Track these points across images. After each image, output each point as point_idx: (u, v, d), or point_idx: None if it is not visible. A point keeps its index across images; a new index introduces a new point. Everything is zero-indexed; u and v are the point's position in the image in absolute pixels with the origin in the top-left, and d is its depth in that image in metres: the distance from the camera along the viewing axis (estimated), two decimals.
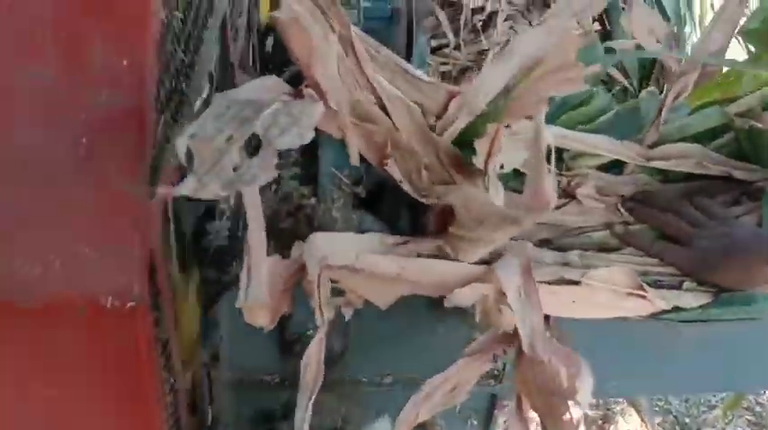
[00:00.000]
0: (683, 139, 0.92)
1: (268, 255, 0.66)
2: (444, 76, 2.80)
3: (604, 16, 2.92)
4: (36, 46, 0.52)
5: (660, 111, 0.89)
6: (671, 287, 0.80)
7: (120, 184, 0.52)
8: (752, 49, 1.02)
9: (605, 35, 2.89)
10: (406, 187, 0.73)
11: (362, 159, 0.94)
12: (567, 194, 0.89)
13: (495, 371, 0.85)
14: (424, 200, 0.73)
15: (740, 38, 1.02)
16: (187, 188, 0.52)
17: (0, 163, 0.51)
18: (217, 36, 0.85)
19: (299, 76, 0.86)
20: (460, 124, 0.74)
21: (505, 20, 2.74)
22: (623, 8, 2.87)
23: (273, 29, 1.34)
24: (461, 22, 2.70)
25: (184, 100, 0.68)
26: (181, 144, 0.52)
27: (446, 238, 0.71)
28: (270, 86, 0.64)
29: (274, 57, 1.33)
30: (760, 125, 0.87)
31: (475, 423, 0.91)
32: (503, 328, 0.72)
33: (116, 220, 0.53)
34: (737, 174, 0.89)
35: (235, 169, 0.53)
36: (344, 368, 0.81)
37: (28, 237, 0.51)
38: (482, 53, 2.76)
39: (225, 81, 0.97)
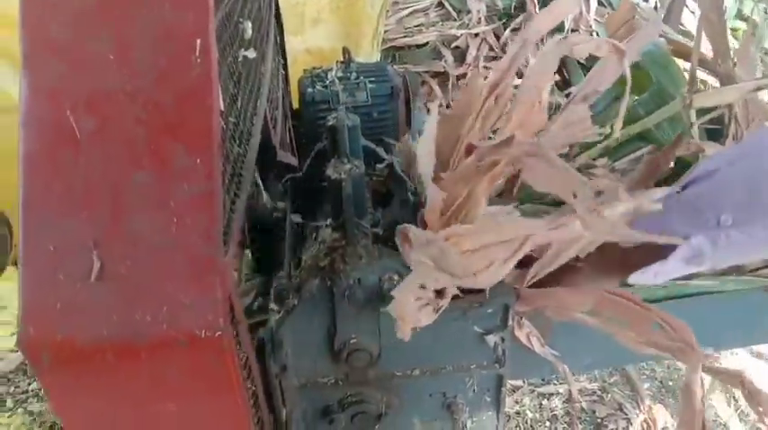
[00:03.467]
0: None
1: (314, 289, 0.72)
2: None
3: (563, 68, 2.95)
4: (136, 158, 0.58)
5: None
6: None
7: (203, 249, 0.59)
8: None
9: (566, 83, 2.92)
10: None
11: (378, 204, 1.00)
12: None
13: (499, 357, 0.87)
14: None
15: None
16: None
17: (120, 244, 0.57)
18: (261, 127, 0.91)
19: (325, 153, 0.93)
20: None
21: (484, 80, 2.79)
22: (578, 62, 2.90)
23: (300, 115, 1.41)
24: (449, 86, 2.76)
25: (242, 179, 0.74)
26: None
27: None
28: None
29: (306, 135, 1.40)
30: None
31: (488, 399, 0.93)
32: None
33: (202, 275, 0.58)
34: None
35: None
36: (382, 366, 0.84)
37: (143, 294, 0.57)
38: None
39: (269, 160, 1.04)
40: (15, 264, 2.12)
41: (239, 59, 0.77)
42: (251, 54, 0.79)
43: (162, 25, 0.59)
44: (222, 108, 0.64)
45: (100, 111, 0.58)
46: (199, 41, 0.59)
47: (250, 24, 0.80)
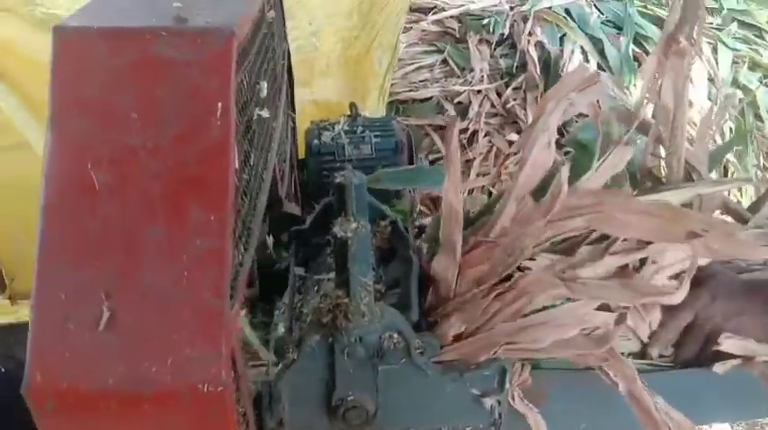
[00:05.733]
0: None
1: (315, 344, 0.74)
2: None
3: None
4: (151, 212, 0.61)
5: None
6: None
7: (211, 302, 0.60)
8: None
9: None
10: None
11: (380, 261, 1.02)
12: None
13: (495, 420, 0.87)
14: None
15: None
16: None
17: (131, 295, 0.59)
18: (270, 181, 0.94)
19: (330, 207, 0.96)
20: None
21: (485, 136, 2.85)
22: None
23: (306, 165, 1.45)
24: None
25: (251, 233, 0.76)
26: None
27: None
28: None
29: (311, 184, 1.44)
30: None
31: None
32: None
33: (208, 328, 0.60)
34: None
35: None
36: (378, 424, 0.83)
37: (150, 345, 0.59)
38: (468, 162, 2.85)
39: (276, 211, 1.07)
40: (11, 298, 2.11)
41: (254, 118, 0.81)
42: (265, 113, 0.82)
43: (187, 87, 0.62)
44: (237, 166, 0.67)
45: (120, 167, 0.61)
46: (220, 104, 0.62)
47: (266, 84, 0.84)
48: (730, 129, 3.02)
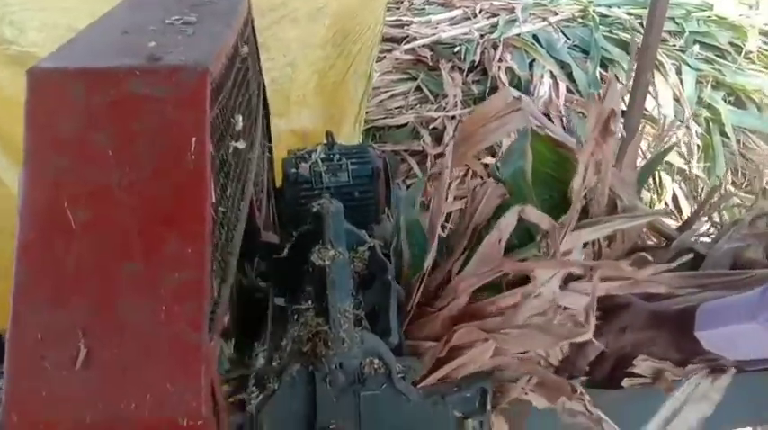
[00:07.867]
0: None
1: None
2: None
3: None
4: (128, 248, 0.61)
5: None
6: None
7: (189, 336, 0.60)
8: None
9: None
10: None
11: (360, 286, 1.02)
12: None
13: None
14: None
15: None
16: None
17: (108, 331, 0.59)
18: (247, 211, 0.95)
19: (308, 235, 0.96)
20: None
21: None
22: None
23: (283, 194, 1.45)
24: (427, 165, 2.86)
25: (228, 265, 0.76)
26: None
27: None
28: None
29: (288, 213, 1.44)
30: None
31: None
32: None
33: (187, 362, 0.60)
34: None
35: None
36: None
37: (128, 381, 0.58)
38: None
39: (254, 241, 1.07)
40: None
41: (230, 151, 0.81)
42: (241, 145, 0.83)
43: (161, 124, 0.63)
44: (213, 199, 0.67)
45: (96, 204, 0.61)
46: (194, 139, 0.63)
47: (241, 118, 0.85)
48: (698, 146, 3.11)
